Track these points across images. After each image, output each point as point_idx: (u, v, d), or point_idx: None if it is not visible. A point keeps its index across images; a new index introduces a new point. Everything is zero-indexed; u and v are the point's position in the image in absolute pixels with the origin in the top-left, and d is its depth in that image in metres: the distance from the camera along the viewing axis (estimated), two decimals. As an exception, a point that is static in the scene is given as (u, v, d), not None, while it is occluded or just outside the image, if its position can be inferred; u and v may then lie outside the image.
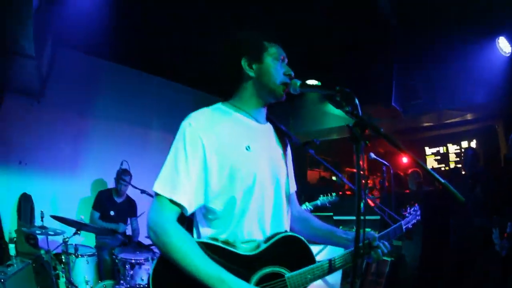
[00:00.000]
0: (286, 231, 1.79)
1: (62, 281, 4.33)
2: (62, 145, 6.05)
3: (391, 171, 4.12)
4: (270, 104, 1.88)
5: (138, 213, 5.90)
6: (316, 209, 5.23)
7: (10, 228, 5.29)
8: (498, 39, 5.49)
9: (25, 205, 5.42)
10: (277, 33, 1.89)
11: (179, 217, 1.61)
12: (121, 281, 4.27)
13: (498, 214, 5.00)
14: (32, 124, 5.70)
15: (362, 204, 1.42)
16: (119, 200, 5.77)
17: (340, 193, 9.02)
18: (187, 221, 1.70)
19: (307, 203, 5.05)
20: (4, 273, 3.91)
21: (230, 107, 1.83)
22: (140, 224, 5.93)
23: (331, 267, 1.74)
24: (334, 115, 7.59)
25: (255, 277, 1.61)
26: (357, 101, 1.50)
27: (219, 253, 1.57)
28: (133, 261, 4.27)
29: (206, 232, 1.69)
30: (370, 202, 4.89)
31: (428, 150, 10.58)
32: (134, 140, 6.98)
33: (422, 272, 5.58)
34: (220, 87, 2.01)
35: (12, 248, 5.07)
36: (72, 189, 6.07)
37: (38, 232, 4.30)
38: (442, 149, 10.34)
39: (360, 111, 1.51)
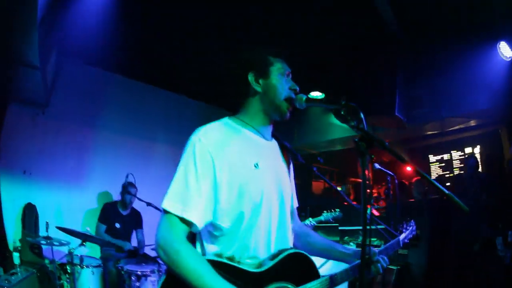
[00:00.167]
0: (291, 248, 1.81)
1: (66, 291, 4.33)
2: (67, 156, 6.07)
3: (396, 181, 4.11)
4: (275, 121, 1.90)
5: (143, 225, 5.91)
6: (320, 222, 5.24)
7: (14, 237, 5.28)
8: (499, 44, 5.49)
9: (30, 214, 5.42)
10: (282, 45, 1.91)
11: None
12: (127, 293, 4.26)
13: (504, 220, 4.98)
14: (37, 134, 5.74)
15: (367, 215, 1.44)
16: (124, 212, 5.78)
17: (346, 203, 9.01)
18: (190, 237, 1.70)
19: (310, 219, 5.08)
20: (8, 281, 3.92)
21: (238, 122, 1.84)
22: (146, 236, 5.92)
23: (334, 282, 1.76)
24: (338, 126, 7.60)
25: None
26: (362, 115, 1.52)
27: (225, 270, 1.56)
28: (139, 273, 4.26)
29: (211, 249, 1.68)
30: (375, 212, 4.89)
31: (432, 158, 10.56)
32: (139, 153, 7.00)
33: (428, 280, 5.54)
34: (225, 101, 2.03)
35: (16, 257, 5.07)
36: (76, 200, 6.07)
37: (43, 242, 4.29)
38: (446, 156, 10.32)
39: (365, 125, 1.52)
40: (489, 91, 5.94)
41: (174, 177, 1.63)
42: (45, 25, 4.13)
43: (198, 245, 1.74)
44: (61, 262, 4.44)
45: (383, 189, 9.31)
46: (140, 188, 5.84)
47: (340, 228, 6.09)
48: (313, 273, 1.77)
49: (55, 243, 4.26)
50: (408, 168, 10.21)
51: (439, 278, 5.62)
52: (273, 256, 1.70)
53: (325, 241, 2.10)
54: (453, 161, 10.07)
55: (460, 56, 5.85)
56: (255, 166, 1.72)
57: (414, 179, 7.91)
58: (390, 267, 5.36)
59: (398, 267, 5.34)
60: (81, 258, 4.35)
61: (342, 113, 1.59)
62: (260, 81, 1.82)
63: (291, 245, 1.87)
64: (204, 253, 1.70)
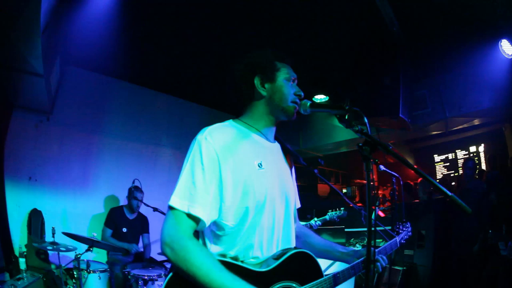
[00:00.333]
0: (295, 248, 1.82)
1: (73, 296, 4.34)
2: (72, 162, 6.11)
3: (401, 182, 4.10)
4: (281, 121, 1.92)
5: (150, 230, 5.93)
6: (326, 222, 5.25)
7: (20, 242, 5.31)
8: (501, 42, 5.48)
9: (35, 220, 5.44)
10: (288, 51, 1.93)
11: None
12: (134, 297, 4.27)
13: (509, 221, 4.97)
14: (42, 141, 5.77)
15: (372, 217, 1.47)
16: (131, 216, 5.81)
17: (351, 205, 9.00)
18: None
19: (315, 218, 5.10)
20: (15, 286, 3.94)
21: (242, 124, 1.86)
22: (152, 241, 5.94)
23: (337, 281, 1.78)
24: (343, 129, 7.56)
25: None
26: (366, 119, 1.52)
27: (230, 269, 1.54)
28: (146, 277, 4.26)
29: (215, 249, 1.69)
30: (380, 213, 4.89)
31: (437, 158, 10.57)
32: (144, 158, 7.03)
33: (434, 281, 5.53)
34: (229, 104, 2.04)
35: (22, 262, 5.09)
36: (82, 205, 6.10)
37: (49, 248, 4.30)
38: (450, 156, 10.32)
39: (369, 129, 1.54)
40: (492, 89, 5.94)
41: (181, 175, 1.64)
42: (49, 33, 4.16)
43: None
44: (67, 267, 4.45)
45: (389, 190, 9.31)
46: (145, 193, 5.88)
47: (346, 230, 6.10)
48: (317, 272, 1.79)
49: (61, 248, 4.27)
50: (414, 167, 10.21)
51: (444, 278, 5.61)
52: (278, 256, 1.71)
53: (325, 241, 2.13)
54: (458, 160, 10.07)
55: (462, 55, 5.86)
56: (259, 166, 1.73)
57: (420, 179, 7.90)
58: (396, 267, 5.35)
59: (404, 268, 5.33)
60: (88, 263, 4.36)
61: (346, 118, 1.61)
62: (266, 85, 1.84)
63: (294, 245, 1.88)
64: None
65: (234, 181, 1.65)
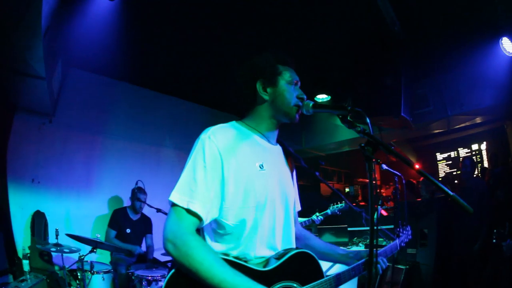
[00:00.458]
0: (297, 248, 1.83)
1: (77, 297, 4.36)
2: (75, 164, 6.13)
3: (403, 181, 4.10)
4: (283, 124, 1.93)
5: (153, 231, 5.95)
6: (328, 219, 5.25)
7: (24, 244, 5.32)
8: (502, 40, 5.48)
9: (39, 222, 5.46)
10: (289, 51, 1.93)
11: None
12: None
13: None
14: (45, 143, 5.79)
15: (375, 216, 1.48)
16: (134, 217, 5.84)
17: (354, 204, 9.03)
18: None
19: (317, 213, 5.10)
20: (18, 288, 3.95)
21: (245, 126, 1.88)
22: (155, 241, 5.96)
23: (337, 282, 1.79)
24: (345, 128, 7.60)
25: None
26: (368, 119, 1.53)
27: (232, 267, 1.55)
28: (149, 278, 4.28)
29: (217, 247, 1.70)
30: (383, 212, 4.89)
31: (439, 156, 10.56)
32: (147, 159, 7.04)
33: (437, 279, 5.53)
34: (232, 106, 2.06)
35: (25, 264, 5.11)
36: (85, 207, 6.12)
37: (53, 249, 4.32)
38: (453, 154, 10.30)
39: (371, 130, 1.55)
40: (493, 87, 5.94)
41: (183, 172, 1.65)
42: (50, 36, 4.17)
43: None
44: (71, 269, 4.46)
45: (391, 189, 9.31)
46: (149, 194, 5.92)
47: (349, 229, 6.11)
48: (318, 273, 1.80)
49: (65, 250, 4.29)
50: (417, 167, 10.21)
51: (447, 277, 5.61)
52: (279, 256, 1.73)
53: (325, 244, 2.14)
54: (460, 159, 10.05)
55: (463, 54, 5.85)
56: (261, 168, 1.75)
57: (422, 177, 7.89)
58: (399, 266, 5.35)
59: (407, 267, 5.33)
60: (92, 264, 4.39)
61: (349, 118, 1.63)
62: (268, 89, 1.86)
63: (294, 246, 1.90)
64: None
65: (236, 180, 1.67)
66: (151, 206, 5.39)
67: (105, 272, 4.44)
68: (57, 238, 4.36)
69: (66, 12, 4.38)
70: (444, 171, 10.43)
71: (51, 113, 5.80)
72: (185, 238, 1.52)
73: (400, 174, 4.02)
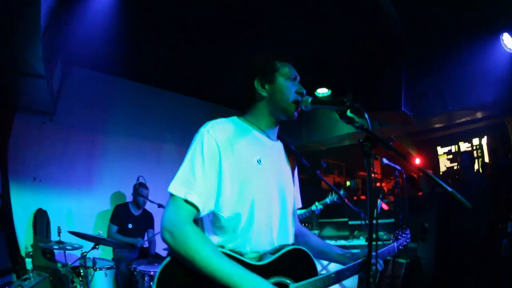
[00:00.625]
0: (293, 244, 1.85)
1: (79, 294, 4.38)
2: (76, 161, 6.15)
3: (404, 175, 4.11)
4: (282, 121, 1.94)
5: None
6: (329, 213, 5.25)
7: (26, 243, 5.36)
8: (502, 36, 5.48)
9: (41, 220, 5.49)
10: (290, 44, 1.94)
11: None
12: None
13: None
14: (46, 141, 5.81)
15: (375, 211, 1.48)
16: (136, 213, 5.87)
17: (355, 198, 9.05)
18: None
19: (317, 203, 5.10)
20: (21, 287, 3.97)
21: (245, 122, 1.90)
22: (156, 236, 5.97)
23: (331, 281, 1.78)
24: (345, 122, 7.62)
25: None
26: (367, 115, 1.55)
27: None
28: (152, 273, 4.26)
29: (213, 239, 1.72)
30: (384, 205, 4.90)
31: (440, 150, 10.57)
32: (148, 155, 7.05)
33: (438, 273, 5.55)
34: (233, 100, 2.07)
35: (28, 262, 5.14)
36: (87, 204, 6.14)
37: (55, 247, 4.33)
38: (453, 148, 10.32)
39: (370, 126, 1.57)
40: (494, 83, 5.95)
41: (182, 164, 1.69)
42: (49, 35, 4.17)
43: None
44: (73, 266, 4.48)
45: (392, 183, 9.32)
46: (150, 190, 5.94)
47: (350, 223, 6.12)
48: (312, 271, 1.80)
49: (67, 247, 4.30)
50: (417, 161, 10.23)
51: (447, 272, 5.63)
52: (274, 251, 1.74)
53: (323, 242, 2.14)
54: (461, 152, 10.06)
55: (464, 49, 5.86)
56: (258, 162, 1.77)
57: (422, 172, 7.89)
58: (400, 260, 5.37)
59: (408, 261, 5.34)
60: (94, 261, 4.40)
61: (348, 114, 1.65)
62: (266, 86, 1.87)
63: (291, 242, 1.90)
64: None
65: (233, 174, 1.69)
66: (152, 202, 5.41)
67: (107, 268, 4.45)
68: (59, 235, 4.37)
69: (65, 10, 4.39)
70: (445, 165, 10.44)
71: (52, 111, 5.82)
72: (183, 227, 1.54)
73: (400, 168, 4.03)
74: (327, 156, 10.62)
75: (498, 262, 5.00)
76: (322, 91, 7.10)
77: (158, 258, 5.10)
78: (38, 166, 5.71)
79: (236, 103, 2.01)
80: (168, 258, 1.55)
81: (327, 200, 5.12)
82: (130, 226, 5.69)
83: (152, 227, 5.98)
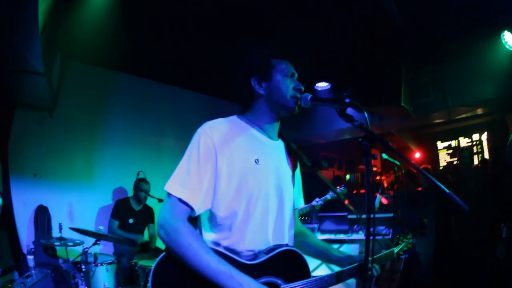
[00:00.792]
0: (287, 245, 1.85)
1: (82, 289, 4.40)
2: (76, 157, 6.14)
3: (403, 170, 4.13)
4: (283, 117, 1.94)
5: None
6: (329, 207, 5.25)
7: (28, 240, 5.37)
8: (504, 33, 5.50)
9: (42, 217, 5.50)
10: (286, 43, 1.94)
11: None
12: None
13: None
14: (46, 138, 5.80)
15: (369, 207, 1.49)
16: (137, 208, 5.90)
17: (354, 191, 9.05)
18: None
19: (317, 199, 5.11)
20: (24, 284, 3.97)
21: (244, 120, 1.90)
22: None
23: (323, 284, 1.78)
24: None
25: None
26: (366, 114, 1.56)
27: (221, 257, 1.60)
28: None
29: (209, 236, 1.75)
30: (383, 200, 4.91)
31: (440, 145, 10.57)
32: (148, 149, 7.05)
33: (436, 268, 5.58)
34: (232, 94, 2.06)
35: (30, 259, 5.15)
36: (88, 199, 6.15)
37: (57, 243, 4.34)
38: (453, 143, 10.32)
39: (369, 124, 1.58)
40: (495, 80, 5.96)
41: (179, 164, 1.71)
42: (48, 32, 4.16)
43: (197, 231, 1.79)
44: (75, 261, 4.51)
45: (392, 177, 9.32)
46: (151, 184, 5.96)
47: (349, 217, 6.12)
48: (304, 273, 1.80)
49: (69, 243, 4.32)
50: (417, 155, 10.24)
51: (446, 267, 5.65)
52: (268, 251, 1.74)
53: (322, 243, 2.13)
54: (461, 148, 10.07)
55: (465, 45, 5.86)
56: (256, 162, 1.77)
57: (423, 165, 7.92)
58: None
59: (406, 256, 5.36)
60: (95, 256, 4.42)
61: (347, 112, 1.65)
62: (263, 84, 1.87)
63: (288, 242, 1.90)
64: None
65: (229, 173, 1.70)
66: (152, 197, 5.44)
67: (108, 264, 4.46)
68: (60, 232, 4.38)
69: (63, 5, 4.38)
70: (445, 160, 10.45)
71: (51, 107, 5.81)
72: (175, 225, 1.58)
73: (399, 164, 4.04)
74: (327, 150, 10.62)
75: (496, 260, 5.03)
76: (322, 85, 7.10)
77: (159, 253, 5.11)
78: (39, 162, 5.71)
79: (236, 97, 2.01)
80: (163, 254, 1.59)
81: (328, 196, 5.13)
82: (131, 221, 5.72)
83: (153, 221, 6.01)
